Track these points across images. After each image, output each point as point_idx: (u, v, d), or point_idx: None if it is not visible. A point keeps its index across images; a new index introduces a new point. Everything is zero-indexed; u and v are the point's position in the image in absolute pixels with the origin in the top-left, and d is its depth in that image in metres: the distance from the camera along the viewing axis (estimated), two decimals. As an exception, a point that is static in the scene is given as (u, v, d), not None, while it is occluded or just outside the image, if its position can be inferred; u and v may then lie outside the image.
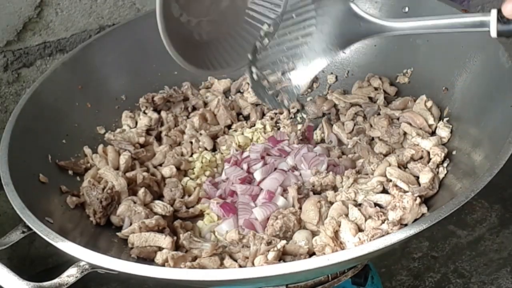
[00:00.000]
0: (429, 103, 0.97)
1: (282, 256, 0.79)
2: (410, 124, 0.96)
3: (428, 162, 0.89)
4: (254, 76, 0.85)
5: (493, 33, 0.69)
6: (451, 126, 0.94)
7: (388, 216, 0.80)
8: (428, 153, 0.91)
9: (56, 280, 0.67)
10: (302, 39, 0.81)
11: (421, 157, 0.91)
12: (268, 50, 0.84)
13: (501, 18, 0.68)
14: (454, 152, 0.90)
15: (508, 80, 0.84)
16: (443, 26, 0.74)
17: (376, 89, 1.06)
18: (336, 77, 1.13)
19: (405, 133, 0.96)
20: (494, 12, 0.68)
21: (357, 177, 0.90)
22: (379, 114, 1.02)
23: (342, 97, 1.07)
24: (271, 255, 0.77)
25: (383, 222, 0.79)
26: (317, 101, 1.10)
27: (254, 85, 0.85)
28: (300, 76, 0.80)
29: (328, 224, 0.80)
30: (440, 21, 0.74)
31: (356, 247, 0.64)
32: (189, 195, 0.96)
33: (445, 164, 0.88)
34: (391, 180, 0.86)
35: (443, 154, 0.89)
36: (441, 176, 0.87)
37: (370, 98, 1.05)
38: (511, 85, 0.83)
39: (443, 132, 0.93)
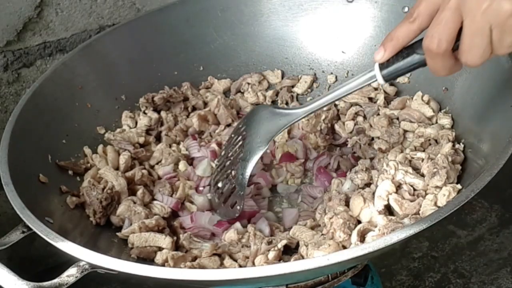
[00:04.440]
0: (426, 97, 0.98)
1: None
2: (410, 121, 0.97)
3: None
4: (212, 199, 0.94)
5: (381, 81, 0.76)
6: (450, 114, 0.94)
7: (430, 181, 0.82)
8: (436, 140, 0.91)
9: (56, 280, 0.67)
10: (238, 149, 0.92)
11: (430, 145, 0.91)
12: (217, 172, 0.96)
13: (381, 66, 0.75)
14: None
15: (508, 80, 0.84)
16: (343, 93, 0.82)
17: (376, 89, 1.06)
18: (336, 77, 1.13)
19: (405, 133, 0.96)
20: (376, 65, 0.76)
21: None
22: (378, 114, 1.02)
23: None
24: (272, 254, 0.77)
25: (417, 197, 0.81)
26: None
27: (214, 206, 0.94)
28: (241, 176, 0.89)
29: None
30: (338, 92, 0.82)
31: (356, 247, 0.64)
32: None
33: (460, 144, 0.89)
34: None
35: (453, 133, 0.90)
36: (460, 150, 0.87)
37: (370, 99, 1.05)
38: (511, 85, 0.83)
39: (444, 120, 0.94)
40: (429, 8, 0.66)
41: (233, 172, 0.90)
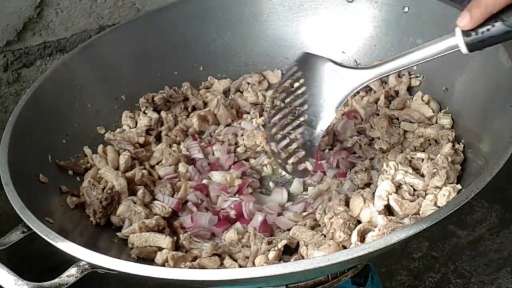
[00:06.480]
0: (426, 97, 0.98)
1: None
2: (410, 121, 0.97)
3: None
4: (274, 149, 0.89)
5: (465, 51, 0.70)
6: (450, 114, 0.95)
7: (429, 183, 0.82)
8: (436, 141, 0.91)
9: (56, 280, 0.67)
10: (300, 107, 0.86)
11: (430, 145, 0.91)
12: (277, 123, 0.89)
13: (465, 34, 0.68)
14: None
15: (508, 80, 0.84)
16: (419, 60, 0.76)
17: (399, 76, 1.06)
18: (336, 77, 1.13)
19: (405, 133, 0.96)
20: (458, 31, 0.69)
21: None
22: (378, 114, 1.02)
23: None
24: (272, 254, 0.77)
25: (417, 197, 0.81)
26: None
27: (275, 158, 0.90)
28: (309, 143, 0.85)
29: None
30: (415, 56, 0.76)
31: (356, 247, 0.64)
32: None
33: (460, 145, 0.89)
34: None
35: (453, 134, 0.90)
36: (460, 150, 0.87)
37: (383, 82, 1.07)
38: (511, 85, 0.83)
39: (444, 120, 0.94)
40: None
41: (298, 135, 0.86)
